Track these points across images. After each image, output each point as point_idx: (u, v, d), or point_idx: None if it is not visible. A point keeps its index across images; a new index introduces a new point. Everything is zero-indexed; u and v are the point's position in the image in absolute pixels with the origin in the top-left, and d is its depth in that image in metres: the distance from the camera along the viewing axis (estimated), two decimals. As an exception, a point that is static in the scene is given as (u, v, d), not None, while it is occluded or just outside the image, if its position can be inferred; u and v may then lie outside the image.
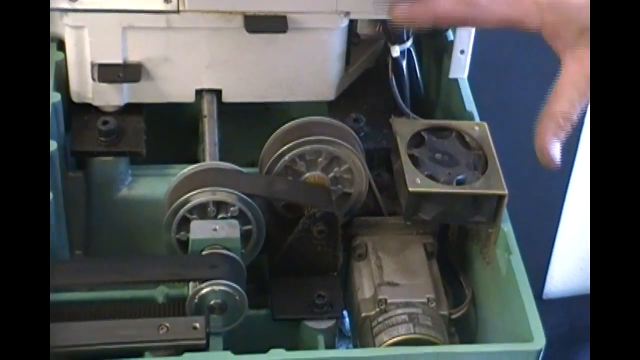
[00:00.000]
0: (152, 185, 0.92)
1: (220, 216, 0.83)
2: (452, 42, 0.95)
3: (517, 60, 1.40)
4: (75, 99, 0.92)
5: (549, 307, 1.74)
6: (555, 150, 0.77)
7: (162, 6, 0.88)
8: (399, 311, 0.83)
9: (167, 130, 0.99)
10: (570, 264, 1.79)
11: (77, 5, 0.88)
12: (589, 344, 0.68)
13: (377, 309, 0.83)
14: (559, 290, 1.80)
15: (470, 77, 0.96)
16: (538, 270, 1.79)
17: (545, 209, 1.75)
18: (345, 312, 0.90)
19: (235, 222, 0.81)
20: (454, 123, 0.88)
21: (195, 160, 0.94)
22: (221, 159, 0.91)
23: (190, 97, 0.93)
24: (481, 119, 0.92)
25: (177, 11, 0.88)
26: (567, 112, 0.77)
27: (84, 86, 0.91)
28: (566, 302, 1.78)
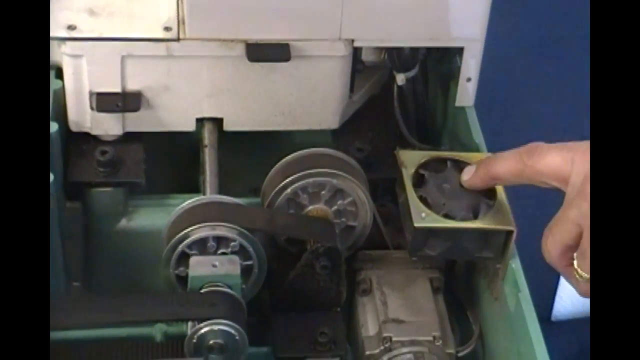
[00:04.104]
0: (152, 216, 0.90)
1: (220, 251, 0.81)
2: (459, 68, 0.92)
3: (524, 83, 1.39)
4: (73, 128, 0.90)
5: (558, 329, 1.72)
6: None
7: (162, 34, 0.86)
8: (404, 350, 0.81)
9: (167, 160, 0.97)
10: (580, 284, 1.77)
11: (75, 34, 0.86)
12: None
13: (382, 347, 0.81)
14: (568, 311, 1.78)
15: (477, 99, 0.94)
16: (547, 292, 1.77)
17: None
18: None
19: (235, 257, 0.79)
20: (460, 155, 0.86)
21: (196, 189, 0.92)
22: (223, 186, 0.90)
23: (190, 126, 0.91)
24: (486, 141, 0.90)
25: (178, 39, 0.86)
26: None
27: (82, 115, 0.89)
28: (576, 324, 1.75)
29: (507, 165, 0.79)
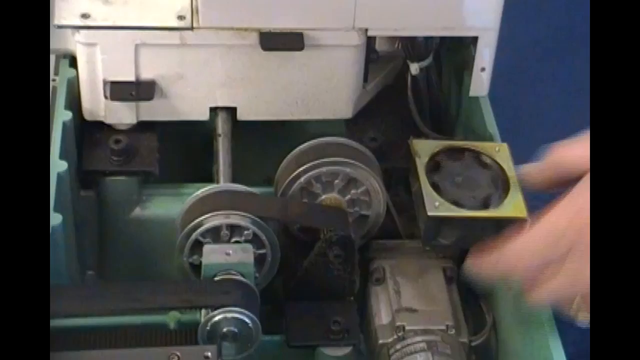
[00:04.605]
0: (166, 205, 0.91)
1: (234, 240, 0.81)
2: (473, 58, 0.92)
3: (538, 74, 1.38)
4: (87, 117, 0.90)
5: (571, 322, 1.72)
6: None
7: (175, 23, 0.86)
8: (418, 339, 0.80)
9: (181, 149, 0.97)
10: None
11: (89, 22, 0.86)
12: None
13: (395, 336, 0.81)
14: (581, 304, 1.77)
15: (491, 89, 0.94)
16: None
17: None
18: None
19: (248, 246, 0.79)
20: (474, 144, 0.85)
21: (209, 178, 0.92)
22: (237, 176, 0.90)
23: (204, 115, 0.91)
24: (499, 129, 0.90)
25: (191, 28, 0.86)
26: None
27: (96, 104, 0.89)
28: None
29: (577, 152, 0.76)
